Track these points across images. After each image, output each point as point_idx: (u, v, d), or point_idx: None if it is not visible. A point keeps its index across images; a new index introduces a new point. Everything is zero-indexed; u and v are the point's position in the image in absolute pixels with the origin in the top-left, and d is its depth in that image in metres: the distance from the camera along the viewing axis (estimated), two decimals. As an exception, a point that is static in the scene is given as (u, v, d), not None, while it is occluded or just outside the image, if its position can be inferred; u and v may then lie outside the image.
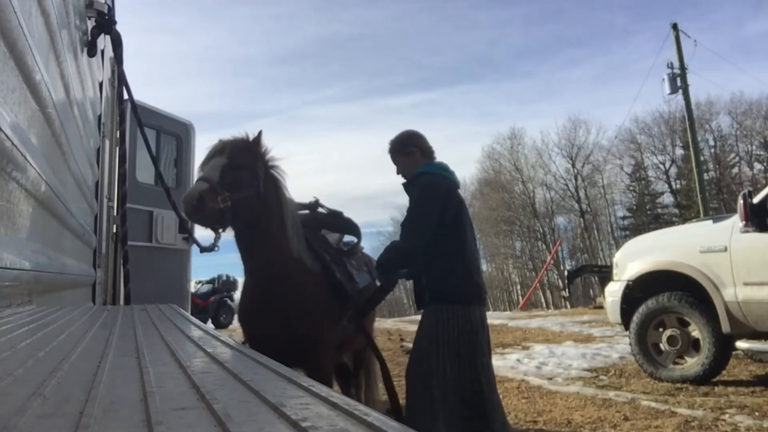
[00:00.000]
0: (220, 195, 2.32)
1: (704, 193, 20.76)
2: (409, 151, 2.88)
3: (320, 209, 3.01)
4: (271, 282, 2.54)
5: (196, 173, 2.60)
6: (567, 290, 19.46)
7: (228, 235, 2.59)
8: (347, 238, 3.18)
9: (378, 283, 3.11)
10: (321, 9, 77.33)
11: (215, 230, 2.50)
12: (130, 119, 4.41)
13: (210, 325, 13.33)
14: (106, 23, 3.39)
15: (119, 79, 3.84)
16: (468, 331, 2.61)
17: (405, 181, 2.89)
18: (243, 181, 2.45)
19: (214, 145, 2.57)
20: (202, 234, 2.97)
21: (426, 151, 2.91)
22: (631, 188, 41.38)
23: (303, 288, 2.59)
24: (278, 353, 2.20)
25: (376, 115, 78.66)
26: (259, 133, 2.59)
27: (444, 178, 2.80)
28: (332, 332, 2.70)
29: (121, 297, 4.36)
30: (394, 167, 2.96)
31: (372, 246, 46.90)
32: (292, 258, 2.60)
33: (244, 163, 2.49)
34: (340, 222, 3.04)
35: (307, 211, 2.97)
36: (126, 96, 3.85)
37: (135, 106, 3.76)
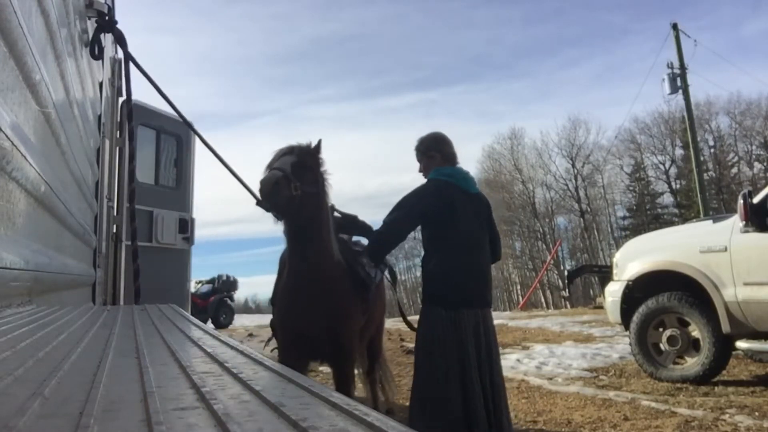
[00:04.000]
0: (293, 183, 2.51)
1: (704, 193, 20.76)
2: (431, 155, 2.99)
3: (335, 213, 3.08)
4: (317, 280, 2.67)
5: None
6: (567, 290, 19.46)
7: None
8: (354, 238, 3.32)
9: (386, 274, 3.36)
10: (318, 8, 77.42)
11: (278, 218, 2.66)
12: (129, 117, 4.40)
13: (210, 325, 13.32)
14: (106, 23, 3.39)
15: (126, 76, 3.81)
16: (451, 334, 2.63)
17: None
18: (308, 179, 2.64)
19: (281, 149, 2.77)
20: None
21: (447, 156, 2.99)
22: (631, 188, 41.39)
23: (345, 290, 2.75)
24: (318, 351, 2.68)
25: (375, 114, 78.71)
26: (319, 142, 2.78)
27: (445, 184, 2.86)
28: (358, 330, 2.90)
29: (121, 295, 4.36)
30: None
31: (372, 246, 46.64)
32: (334, 260, 2.75)
33: (310, 164, 2.70)
34: (355, 226, 3.14)
35: None
36: (130, 94, 3.84)
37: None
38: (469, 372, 2.61)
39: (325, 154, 2.81)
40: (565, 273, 20.21)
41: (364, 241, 3.14)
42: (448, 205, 2.78)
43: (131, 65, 3.60)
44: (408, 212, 2.81)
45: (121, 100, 4.62)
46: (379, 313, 3.47)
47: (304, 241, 2.67)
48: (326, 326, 2.65)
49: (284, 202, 2.50)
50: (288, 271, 2.77)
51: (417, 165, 3.10)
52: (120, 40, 3.56)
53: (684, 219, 30.20)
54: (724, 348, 4.88)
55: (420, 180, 3.04)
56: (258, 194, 2.56)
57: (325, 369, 4.38)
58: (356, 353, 2.94)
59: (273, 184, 2.46)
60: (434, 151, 2.99)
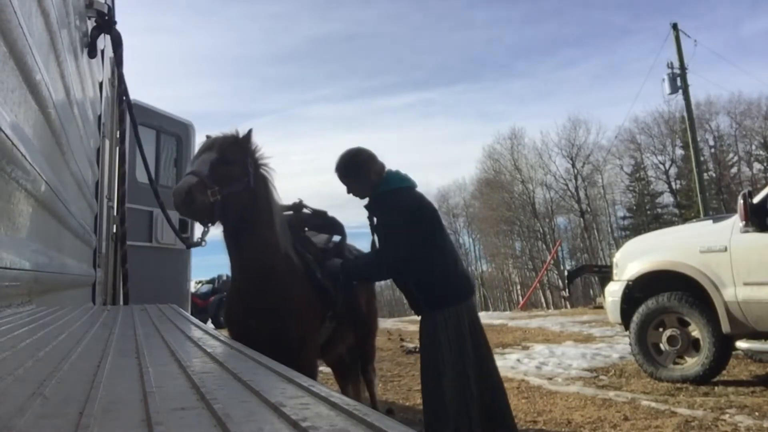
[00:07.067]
0: (210, 188, 2.34)
1: (704, 193, 20.77)
2: (366, 178, 2.81)
3: (304, 210, 2.99)
4: (259, 276, 2.54)
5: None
6: (567, 290, 19.46)
7: (218, 233, 2.61)
8: (336, 238, 3.15)
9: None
10: (318, 8, 77.39)
11: (204, 224, 2.53)
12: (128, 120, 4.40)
13: (210, 325, 13.29)
14: (106, 23, 3.39)
15: (119, 80, 3.84)
16: (465, 327, 2.71)
17: (367, 203, 2.86)
18: (233, 175, 2.47)
19: (203, 142, 2.60)
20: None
21: (379, 170, 2.83)
22: (631, 188, 41.42)
23: (290, 285, 2.59)
24: (262, 350, 2.18)
25: (374, 114, 78.83)
26: (249, 131, 2.62)
27: (409, 191, 2.82)
28: (315, 331, 2.71)
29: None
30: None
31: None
32: (280, 253, 2.60)
33: (234, 158, 2.51)
34: (324, 221, 3.02)
35: (290, 212, 2.95)
36: (122, 96, 3.85)
37: (131, 106, 3.76)
38: (489, 361, 2.79)
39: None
40: (565, 273, 20.20)
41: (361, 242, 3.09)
42: (429, 212, 2.81)
43: (123, 69, 3.62)
44: (397, 235, 2.68)
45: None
46: (368, 315, 3.35)
47: (239, 234, 2.53)
48: (269, 326, 2.44)
49: (200, 210, 2.35)
50: (231, 266, 2.65)
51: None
52: (116, 42, 3.56)
53: (684, 219, 30.21)
54: (724, 348, 4.87)
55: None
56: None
57: (324, 369, 4.37)
58: (312, 362, 2.67)
59: (185, 194, 2.27)
60: (367, 171, 2.82)
